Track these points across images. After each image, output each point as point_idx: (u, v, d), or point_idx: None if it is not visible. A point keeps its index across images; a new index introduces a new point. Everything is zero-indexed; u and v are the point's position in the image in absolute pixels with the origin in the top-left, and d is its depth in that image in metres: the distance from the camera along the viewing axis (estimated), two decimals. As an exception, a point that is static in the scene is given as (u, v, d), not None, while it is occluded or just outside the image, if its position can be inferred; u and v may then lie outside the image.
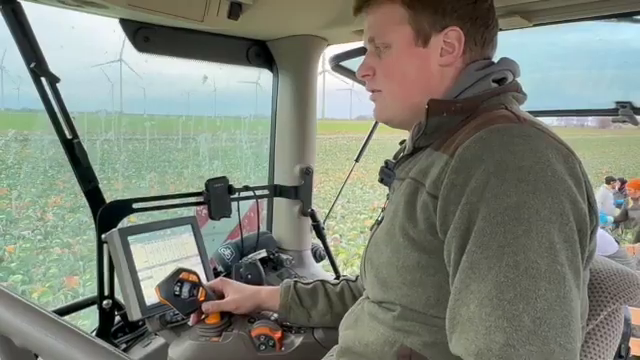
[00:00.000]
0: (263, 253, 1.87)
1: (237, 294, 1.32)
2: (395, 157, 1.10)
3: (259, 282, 1.61)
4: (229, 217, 1.81)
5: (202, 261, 1.55)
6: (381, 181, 1.10)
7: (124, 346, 1.63)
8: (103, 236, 1.45)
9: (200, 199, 1.75)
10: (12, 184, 9.11)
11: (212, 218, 1.78)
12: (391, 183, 1.07)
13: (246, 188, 1.86)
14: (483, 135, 0.81)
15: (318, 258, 2.07)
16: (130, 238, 1.39)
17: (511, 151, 0.77)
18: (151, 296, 1.35)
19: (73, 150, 1.47)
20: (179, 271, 1.21)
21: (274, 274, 1.90)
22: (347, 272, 6.11)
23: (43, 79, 1.39)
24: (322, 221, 2.04)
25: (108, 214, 1.55)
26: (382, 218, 1.06)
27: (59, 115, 1.43)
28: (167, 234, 1.48)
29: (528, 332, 0.69)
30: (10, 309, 0.58)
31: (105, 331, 1.59)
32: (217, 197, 1.76)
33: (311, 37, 1.83)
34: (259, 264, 1.65)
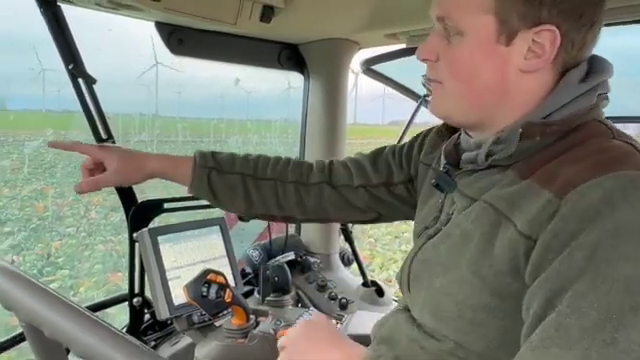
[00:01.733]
0: (291, 256, 1.87)
1: (120, 164, 1.19)
2: (448, 156, 0.95)
3: (286, 285, 1.61)
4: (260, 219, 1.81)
5: (230, 262, 1.56)
6: (436, 186, 0.95)
7: (153, 343, 1.65)
8: (134, 235, 1.48)
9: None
10: (55, 183, 9.40)
11: (241, 219, 1.78)
12: (449, 193, 0.93)
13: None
14: (604, 183, 0.67)
15: (346, 262, 2.07)
16: (160, 238, 1.41)
17: (636, 210, 0.65)
18: (179, 296, 1.37)
19: (107, 150, 1.50)
20: (207, 272, 1.22)
21: (302, 277, 1.90)
22: (382, 276, 6.09)
23: (80, 80, 1.43)
24: (351, 225, 2.03)
25: (140, 213, 1.57)
26: (435, 230, 0.93)
27: (95, 115, 1.47)
28: (195, 235, 1.49)
29: None
30: (42, 302, 0.60)
31: (135, 328, 1.62)
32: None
33: (342, 41, 1.83)
34: (286, 267, 1.65)
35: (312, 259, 1.93)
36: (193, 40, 1.65)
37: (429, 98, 0.93)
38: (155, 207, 1.62)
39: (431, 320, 0.87)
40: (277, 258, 1.85)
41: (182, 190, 1.27)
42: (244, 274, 1.87)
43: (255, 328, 1.30)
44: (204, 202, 1.73)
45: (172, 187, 1.30)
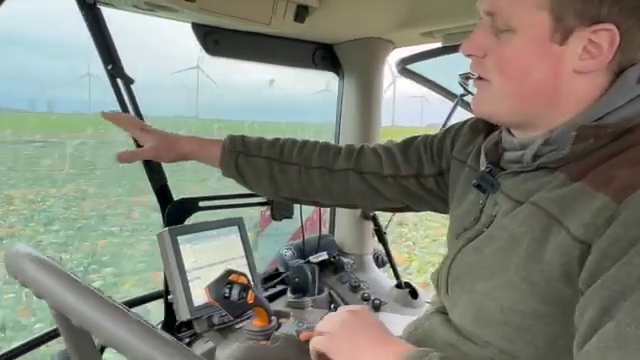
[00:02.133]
0: (324, 255, 1.87)
1: (156, 142, 1.25)
2: (488, 154, 0.92)
3: (306, 286, 1.59)
4: (291, 218, 1.82)
5: (248, 263, 1.53)
6: (477, 187, 0.90)
7: (187, 340, 1.67)
8: (156, 234, 1.47)
9: (263, 199, 1.77)
10: (101, 184, 9.71)
11: (274, 219, 1.80)
12: (491, 194, 0.88)
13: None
14: None
15: (380, 264, 2.05)
16: (180, 238, 1.39)
17: None
18: (199, 296, 1.35)
19: (145, 148, 1.53)
20: (229, 273, 1.20)
21: (335, 277, 1.90)
22: (420, 279, 6.02)
23: (119, 81, 1.47)
24: (385, 226, 2.01)
25: (175, 211, 1.60)
26: (475, 232, 0.90)
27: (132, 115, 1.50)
28: (215, 235, 1.48)
29: None
30: (70, 291, 0.61)
31: (169, 324, 1.64)
32: (279, 198, 1.78)
33: (377, 40, 1.82)
34: (306, 268, 1.64)
35: (345, 259, 1.92)
36: (228, 41, 1.67)
37: (466, 97, 0.90)
38: (190, 205, 1.64)
39: (472, 325, 0.84)
40: (310, 258, 1.85)
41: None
42: (277, 274, 1.88)
43: (277, 330, 1.28)
44: (238, 201, 1.77)
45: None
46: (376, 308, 1.77)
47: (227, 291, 1.19)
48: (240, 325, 1.38)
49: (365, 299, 1.81)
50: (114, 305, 0.60)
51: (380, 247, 2.04)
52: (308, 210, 2.00)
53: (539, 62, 0.77)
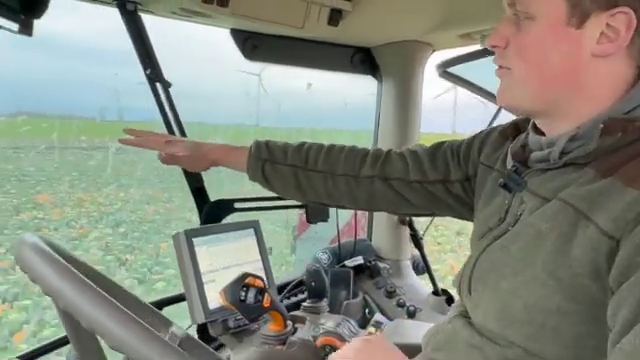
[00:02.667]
0: (359, 260, 1.86)
1: (187, 154, 1.28)
2: (515, 157, 0.91)
3: (323, 291, 1.58)
4: (326, 221, 1.83)
5: (264, 266, 1.52)
6: (503, 186, 0.90)
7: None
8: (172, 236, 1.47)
9: (298, 202, 1.79)
10: (164, 188, 10.11)
11: (309, 222, 1.81)
12: (517, 192, 0.88)
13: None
14: None
15: (420, 270, 2.01)
16: (195, 240, 1.38)
17: None
18: (214, 300, 1.32)
19: (182, 151, 1.58)
20: (245, 276, 1.19)
21: (370, 282, 1.88)
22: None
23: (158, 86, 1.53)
24: (423, 232, 1.98)
25: (212, 212, 1.64)
26: (501, 231, 0.89)
27: (171, 118, 1.56)
28: (231, 237, 1.46)
29: None
30: (79, 293, 0.63)
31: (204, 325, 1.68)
32: (314, 201, 1.78)
33: (415, 42, 1.80)
34: (323, 273, 1.61)
35: (382, 264, 1.91)
36: (266, 46, 1.70)
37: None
38: (226, 206, 1.68)
39: (496, 324, 0.82)
40: (345, 262, 1.84)
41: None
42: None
43: (293, 334, 1.28)
44: (274, 203, 1.80)
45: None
46: (411, 315, 1.74)
47: (243, 294, 1.18)
48: (255, 329, 1.37)
49: (400, 305, 1.79)
50: (122, 311, 0.61)
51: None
52: (347, 214, 2.00)
53: (557, 46, 0.78)
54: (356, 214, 1.89)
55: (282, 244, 6.41)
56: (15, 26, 1.17)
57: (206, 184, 1.68)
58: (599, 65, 0.77)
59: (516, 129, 1.01)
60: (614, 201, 0.69)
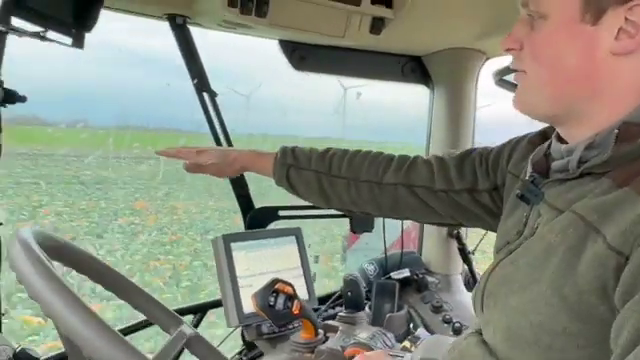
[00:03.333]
0: (406, 272, 1.82)
1: (216, 161, 1.30)
2: (535, 166, 0.87)
3: (359, 301, 1.54)
4: (370, 232, 1.81)
5: (304, 274, 1.53)
6: (521, 197, 0.86)
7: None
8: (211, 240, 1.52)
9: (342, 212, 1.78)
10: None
11: (353, 231, 1.80)
12: (535, 204, 0.84)
13: (392, 204, 1.84)
14: None
15: (472, 286, 1.93)
16: (233, 245, 1.41)
17: None
18: (249, 305, 1.34)
19: (227, 158, 1.64)
20: (275, 281, 1.21)
21: (417, 296, 1.83)
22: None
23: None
24: (475, 246, 1.90)
25: (256, 219, 1.68)
26: (516, 245, 0.84)
27: (217, 126, 1.62)
28: (271, 244, 1.48)
29: None
30: (82, 322, 0.61)
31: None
32: (359, 211, 1.77)
33: (466, 50, 1.75)
34: (360, 281, 1.59)
35: (430, 278, 1.85)
36: (314, 56, 1.72)
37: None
38: (270, 214, 1.71)
39: (504, 345, 0.78)
40: (392, 274, 1.81)
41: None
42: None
43: (324, 343, 1.27)
44: (318, 212, 1.80)
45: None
46: (456, 332, 1.67)
47: (272, 300, 1.20)
48: (289, 336, 1.38)
49: (446, 321, 1.72)
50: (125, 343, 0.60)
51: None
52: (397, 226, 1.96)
53: (571, 45, 0.73)
54: (402, 225, 1.85)
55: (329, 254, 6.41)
56: (68, 40, 1.26)
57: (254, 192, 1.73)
58: (619, 64, 0.71)
59: (544, 137, 0.95)
60: (625, 213, 0.64)
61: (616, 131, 0.70)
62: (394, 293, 1.74)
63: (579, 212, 0.70)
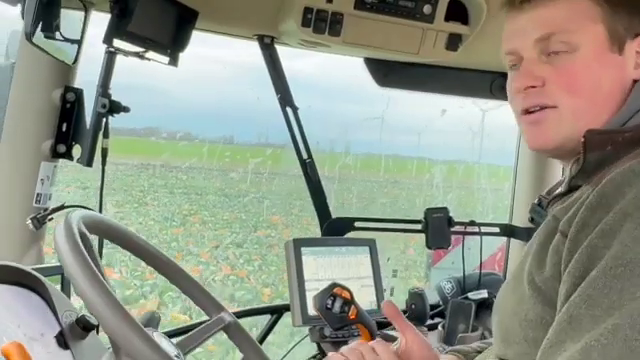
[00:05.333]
0: (484, 294, 1.76)
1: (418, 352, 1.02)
2: (549, 192, 0.90)
3: (423, 314, 1.52)
4: (446, 248, 1.79)
5: (375, 284, 1.55)
6: (531, 221, 0.91)
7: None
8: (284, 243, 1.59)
9: (418, 227, 1.79)
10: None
11: (429, 247, 1.79)
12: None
13: (472, 223, 1.80)
14: (635, 167, 0.67)
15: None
16: (304, 249, 1.48)
17: None
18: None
19: (307, 168, 1.74)
20: (334, 285, 1.24)
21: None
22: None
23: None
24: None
25: (333, 227, 1.75)
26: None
27: (299, 138, 1.73)
28: (343, 252, 1.52)
29: None
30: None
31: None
32: (435, 227, 1.76)
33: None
34: (425, 296, 1.56)
35: (510, 302, 1.77)
36: (397, 73, 1.76)
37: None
38: (347, 224, 1.77)
39: (502, 347, 0.81)
40: (469, 294, 1.77)
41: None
42: (434, 306, 1.84)
43: None
44: (394, 225, 1.83)
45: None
46: None
47: (330, 302, 1.24)
48: (349, 341, 1.38)
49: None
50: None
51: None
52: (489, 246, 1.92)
53: (606, 73, 0.78)
54: (481, 244, 1.80)
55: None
56: (165, 59, 1.45)
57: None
58: (630, 89, 0.78)
59: None
60: (576, 204, 0.70)
61: (582, 140, 0.73)
62: (469, 313, 1.70)
63: (555, 214, 0.76)
